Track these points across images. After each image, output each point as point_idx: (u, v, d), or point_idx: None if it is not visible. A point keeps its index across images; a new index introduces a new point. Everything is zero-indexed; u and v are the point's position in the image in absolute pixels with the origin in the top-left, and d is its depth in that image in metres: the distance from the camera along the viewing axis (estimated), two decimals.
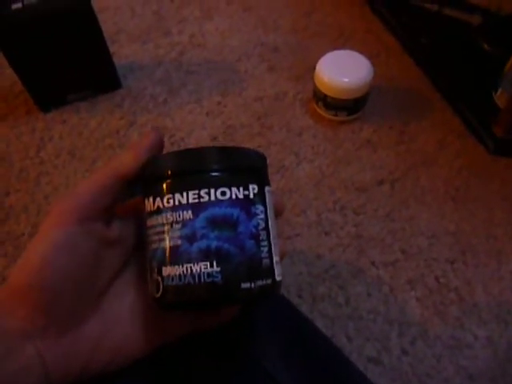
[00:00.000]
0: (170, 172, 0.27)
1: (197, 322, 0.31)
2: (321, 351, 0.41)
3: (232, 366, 0.33)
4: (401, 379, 0.53)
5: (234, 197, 0.26)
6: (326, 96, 0.69)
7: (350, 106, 0.70)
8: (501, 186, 0.66)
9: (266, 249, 0.27)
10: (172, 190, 0.26)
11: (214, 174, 0.26)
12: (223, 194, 0.26)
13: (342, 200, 0.65)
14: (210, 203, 0.26)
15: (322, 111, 0.72)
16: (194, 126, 0.73)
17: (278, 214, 0.31)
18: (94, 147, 0.71)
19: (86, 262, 0.27)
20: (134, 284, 0.30)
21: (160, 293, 0.26)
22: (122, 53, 0.82)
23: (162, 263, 0.26)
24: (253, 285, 0.26)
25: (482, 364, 0.53)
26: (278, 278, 0.28)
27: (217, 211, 0.26)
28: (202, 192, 0.26)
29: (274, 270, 0.28)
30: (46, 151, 0.71)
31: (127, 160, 0.28)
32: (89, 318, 0.27)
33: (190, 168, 0.27)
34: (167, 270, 0.26)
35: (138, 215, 0.31)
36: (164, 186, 0.27)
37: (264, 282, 0.27)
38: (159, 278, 0.26)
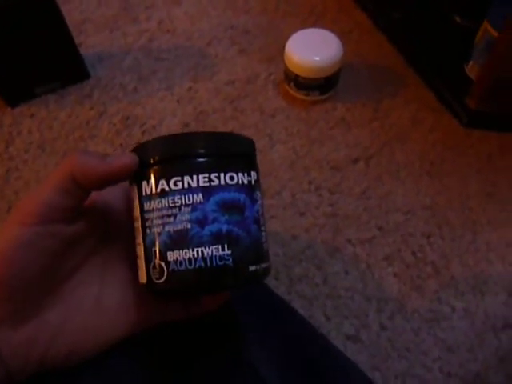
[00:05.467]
0: (178, 153, 0.26)
1: (170, 312, 0.30)
2: (297, 332, 0.41)
3: (208, 354, 0.33)
4: (380, 354, 0.53)
5: (240, 182, 0.26)
6: (296, 76, 0.68)
7: (321, 85, 0.69)
8: (475, 158, 0.66)
9: (264, 233, 0.28)
10: (180, 172, 0.26)
11: (223, 158, 0.26)
12: (231, 178, 0.26)
13: (317, 180, 0.65)
14: (219, 187, 0.26)
15: (294, 92, 0.72)
16: (166, 114, 0.72)
17: None
18: (65, 140, 0.70)
19: (45, 261, 0.26)
20: (99, 274, 0.29)
21: (164, 278, 0.26)
22: (90, 42, 0.81)
23: (167, 247, 0.25)
24: (258, 267, 0.27)
25: (459, 335, 0.54)
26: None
27: (226, 195, 0.26)
28: (213, 176, 0.26)
29: (269, 253, 0.29)
30: (15, 146, 0.69)
31: (83, 160, 0.26)
32: (49, 307, 0.27)
33: (200, 151, 0.26)
34: (174, 255, 0.25)
35: (108, 207, 0.30)
36: (171, 167, 0.26)
37: (265, 264, 0.28)
38: (163, 264, 0.26)
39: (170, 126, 0.70)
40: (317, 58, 0.66)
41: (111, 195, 0.31)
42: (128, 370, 0.30)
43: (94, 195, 0.29)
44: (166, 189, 0.26)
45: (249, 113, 0.72)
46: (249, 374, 0.33)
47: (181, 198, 0.25)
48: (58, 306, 0.27)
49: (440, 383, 0.51)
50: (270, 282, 0.56)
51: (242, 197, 0.26)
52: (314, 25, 0.81)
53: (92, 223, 0.29)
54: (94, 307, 0.28)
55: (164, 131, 0.70)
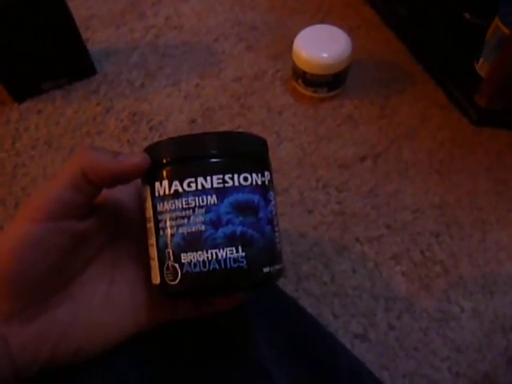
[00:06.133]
0: (192, 154, 0.26)
1: (180, 311, 0.30)
2: (305, 331, 0.40)
3: (216, 352, 0.33)
4: (388, 354, 0.52)
5: (254, 183, 0.26)
6: (304, 73, 0.68)
7: (329, 82, 0.68)
8: (484, 156, 0.66)
9: (277, 234, 0.28)
10: (194, 174, 0.25)
11: (237, 159, 0.26)
12: (245, 179, 0.26)
13: (325, 177, 0.64)
14: (233, 188, 0.25)
15: (301, 88, 0.71)
16: (173, 110, 0.71)
17: None
18: (71, 136, 0.70)
19: (55, 257, 0.26)
20: (109, 272, 0.29)
21: (178, 280, 0.26)
22: (97, 38, 0.80)
23: (181, 249, 0.25)
24: (272, 269, 0.26)
25: (468, 335, 0.53)
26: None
27: (240, 196, 0.26)
28: (227, 177, 0.25)
29: (282, 254, 0.29)
30: (22, 142, 0.69)
31: (92, 156, 0.25)
32: (58, 303, 0.27)
33: (214, 151, 0.26)
34: (188, 257, 0.25)
35: (119, 205, 0.30)
36: (184, 168, 0.26)
37: (279, 266, 0.27)
38: (177, 265, 0.26)
39: (177, 122, 0.70)
40: (325, 55, 0.66)
41: (123, 193, 0.30)
42: (135, 367, 0.30)
43: (106, 192, 0.29)
44: (180, 190, 0.25)
45: (256, 110, 0.71)
46: (257, 372, 0.32)
47: (194, 200, 0.25)
48: (67, 303, 0.27)
49: (448, 383, 0.51)
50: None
51: (256, 198, 0.26)
52: (321, 21, 0.80)
53: (103, 220, 0.28)
54: (103, 305, 0.28)
55: (171, 127, 0.69)
